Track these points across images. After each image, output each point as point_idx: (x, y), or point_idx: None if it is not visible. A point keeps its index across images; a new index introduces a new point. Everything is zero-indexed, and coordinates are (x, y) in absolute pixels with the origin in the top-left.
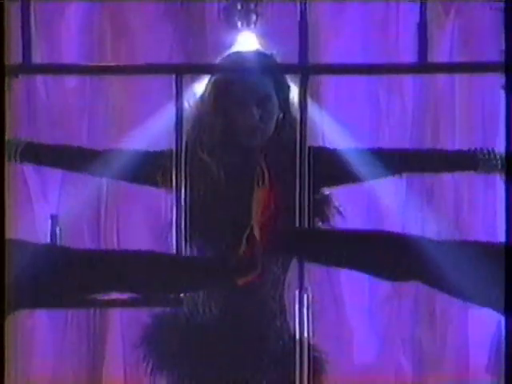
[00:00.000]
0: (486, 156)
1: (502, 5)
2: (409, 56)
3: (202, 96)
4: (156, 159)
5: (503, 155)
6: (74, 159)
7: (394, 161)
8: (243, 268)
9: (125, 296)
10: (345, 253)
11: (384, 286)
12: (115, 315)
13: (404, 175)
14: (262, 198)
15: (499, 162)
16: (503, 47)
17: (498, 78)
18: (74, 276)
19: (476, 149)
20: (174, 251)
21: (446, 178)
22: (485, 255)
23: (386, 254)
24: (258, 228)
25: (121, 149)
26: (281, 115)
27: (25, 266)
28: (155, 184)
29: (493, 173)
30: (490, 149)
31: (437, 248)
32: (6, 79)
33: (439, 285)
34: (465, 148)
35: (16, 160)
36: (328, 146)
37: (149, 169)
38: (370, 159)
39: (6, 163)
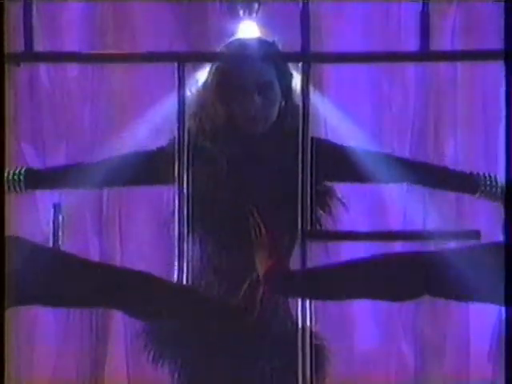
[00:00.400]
0: (488, 182)
1: None
2: (411, 44)
3: (204, 84)
4: (156, 157)
5: (503, 184)
6: (75, 178)
7: (396, 169)
8: (240, 311)
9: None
10: (355, 286)
11: None
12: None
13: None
14: (261, 249)
15: (499, 190)
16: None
17: (501, 66)
18: (71, 286)
19: (478, 174)
20: (176, 242)
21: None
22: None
23: (396, 279)
24: (262, 275)
25: (118, 155)
26: (283, 103)
27: (24, 264)
28: (159, 182)
29: (492, 200)
30: (492, 175)
31: (447, 258)
32: (8, 67)
33: (447, 295)
34: (467, 171)
35: (20, 190)
36: (330, 134)
37: (151, 169)
38: (372, 161)
39: (6, 154)
